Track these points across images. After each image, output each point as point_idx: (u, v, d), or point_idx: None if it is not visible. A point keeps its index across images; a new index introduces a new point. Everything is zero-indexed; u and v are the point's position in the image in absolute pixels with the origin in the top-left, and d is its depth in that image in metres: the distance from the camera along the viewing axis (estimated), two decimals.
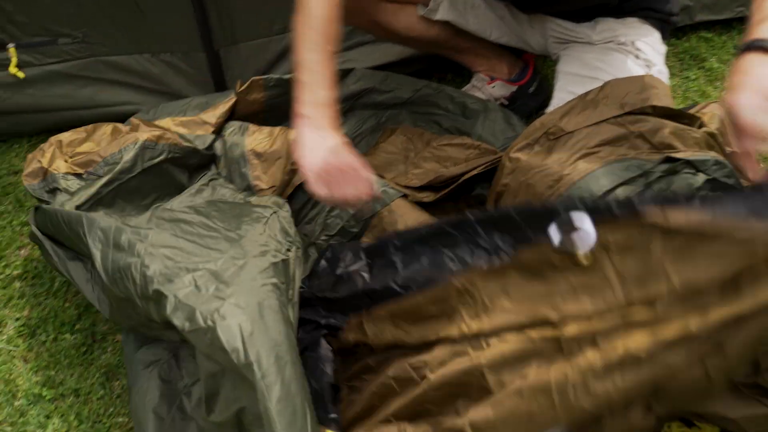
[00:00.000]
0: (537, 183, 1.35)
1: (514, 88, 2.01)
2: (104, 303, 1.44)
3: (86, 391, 1.50)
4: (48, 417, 1.46)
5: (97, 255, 1.35)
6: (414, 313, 1.21)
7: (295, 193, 1.66)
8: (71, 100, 2.00)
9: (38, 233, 1.53)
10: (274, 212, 1.53)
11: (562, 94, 1.72)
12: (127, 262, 1.31)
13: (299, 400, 1.13)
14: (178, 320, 1.19)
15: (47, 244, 1.52)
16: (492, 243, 1.17)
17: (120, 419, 1.45)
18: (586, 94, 1.48)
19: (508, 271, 1.14)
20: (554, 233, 1.09)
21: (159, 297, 1.24)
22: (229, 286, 1.23)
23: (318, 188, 1.28)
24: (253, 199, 1.65)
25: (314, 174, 1.28)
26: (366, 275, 1.31)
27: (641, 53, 1.72)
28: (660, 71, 1.73)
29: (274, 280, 1.27)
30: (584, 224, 1.06)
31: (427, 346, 1.18)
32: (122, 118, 1.98)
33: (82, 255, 1.49)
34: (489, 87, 2.01)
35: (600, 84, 1.49)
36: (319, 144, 1.30)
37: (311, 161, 1.28)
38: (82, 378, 1.52)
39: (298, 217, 1.63)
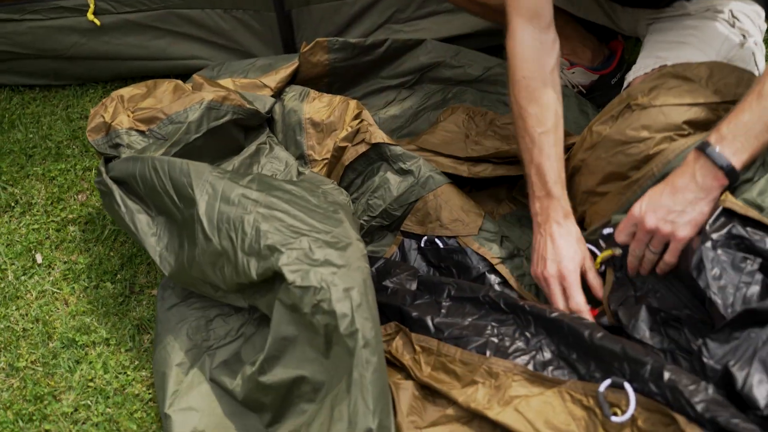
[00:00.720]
0: (622, 162, 1.31)
1: (595, 77, 1.87)
2: (166, 259, 1.45)
3: (116, 341, 1.52)
4: (77, 362, 1.49)
5: (202, 204, 1.36)
6: (440, 356, 1.24)
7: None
8: (144, 50, 2.01)
9: (109, 181, 1.54)
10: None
11: (648, 60, 1.58)
12: (239, 215, 1.32)
13: (386, 376, 1.16)
14: (291, 274, 1.21)
15: (117, 193, 1.52)
16: (537, 342, 1.20)
17: (143, 373, 1.47)
18: (679, 67, 1.37)
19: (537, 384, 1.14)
20: (603, 386, 1.07)
21: (271, 251, 1.25)
22: (341, 258, 1.24)
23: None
24: (324, 186, 1.60)
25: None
26: (409, 298, 1.35)
27: (738, 22, 1.58)
28: (757, 43, 1.59)
29: (368, 266, 1.28)
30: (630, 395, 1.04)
31: (431, 391, 1.22)
32: (192, 71, 1.99)
33: (160, 208, 1.49)
34: (568, 72, 1.87)
35: (688, 50, 1.38)
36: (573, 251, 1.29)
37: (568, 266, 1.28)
38: (114, 328, 1.54)
39: None
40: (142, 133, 1.61)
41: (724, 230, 1.11)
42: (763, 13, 1.63)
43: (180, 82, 1.72)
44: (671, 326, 1.16)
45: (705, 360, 1.03)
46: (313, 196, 1.42)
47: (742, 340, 1.01)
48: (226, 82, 1.78)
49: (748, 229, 1.10)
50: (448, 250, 1.45)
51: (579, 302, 1.25)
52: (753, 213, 1.10)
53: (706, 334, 1.06)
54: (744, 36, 1.58)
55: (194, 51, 2.02)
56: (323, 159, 1.67)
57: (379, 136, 1.58)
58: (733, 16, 1.58)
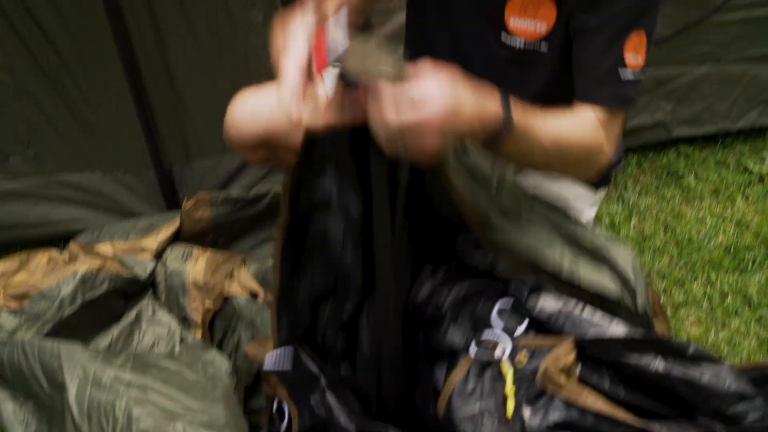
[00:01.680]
0: None
1: None
2: None
3: None
4: None
5: (72, 390, 1.28)
6: None
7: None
8: (22, 217, 1.96)
9: None
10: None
11: None
12: (111, 400, 1.24)
13: None
14: None
15: None
16: None
17: None
18: None
19: None
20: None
21: None
22: None
23: None
24: (206, 356, 1.57)
25: None
26: None
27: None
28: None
29: None
30: None
31: None
32: (72, 236, 1.95)
33: (29, 393, 1.42)
34: None
35: None
36: None
37: None
38: None
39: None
40: (14, 311, 1.55)
41: None
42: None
43: (54, 253, 1.68)
44: None
45: None
46: (192, 370, 1.38)
47: None
48: (106, 246, 1.75)
49: None
50: None
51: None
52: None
53: None
54: None
55: (75, 214, 1.98)
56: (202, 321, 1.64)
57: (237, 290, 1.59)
58: None
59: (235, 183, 2.01)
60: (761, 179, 2.24)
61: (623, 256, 1.23)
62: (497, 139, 1.02)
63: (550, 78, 1.31)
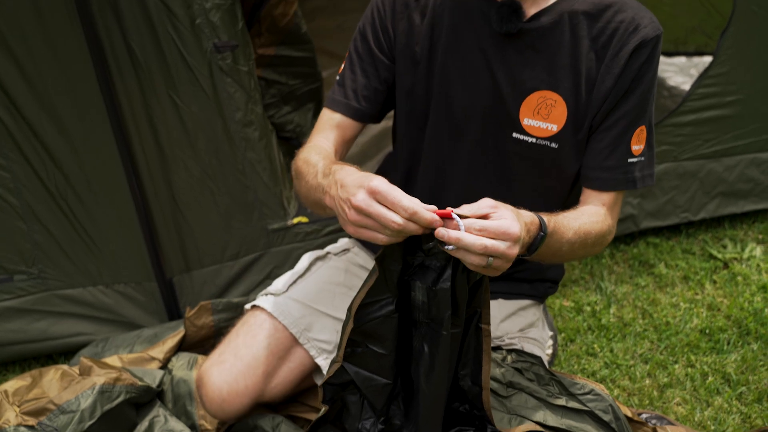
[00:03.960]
0: None
1: None
2: None
3: None
4: None
5: None
6: None
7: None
8: (23, 334, 2.00)
9: None
10: None
11: None
12: None
13: None
14: None
15: None
16: None
17: None
18: None
19: None
20: None
21: None
22: None
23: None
24: None
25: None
26: None
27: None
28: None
29: None
30: None
31: None
32: (74, 349, 1.99)
33: None
34: None
35: None
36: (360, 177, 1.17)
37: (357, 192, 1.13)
38: None
39: None
40: (31, 428, 1.57)
41: None
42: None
43: (67, 368, 1.72)
44: None
45: None
46: None
47: None
48: (113, 359, 1.80)
49: None
50: None
51: (410, 200, 1.09)
52: None
53: None
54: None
55: (77, 328, 2.03)
56: (216, 429, 1.68)
57: None
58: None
59: (234, 289, 2.09)
60: (726, 265, 2.40)
61: (602, 406, 1.43)
62: (536, 245, 1.22)
63: (557, 165, 1.47)
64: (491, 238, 1.07)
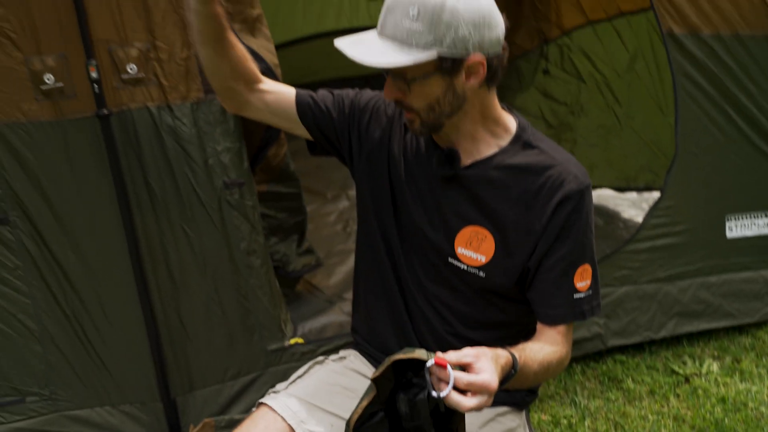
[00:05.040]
0: None
1: None
2: None
3: None
4: None
5: None
6: None
7: None
8: None
9: None
10: None
11: None
12: None
13: None
14: None
15: None
16: None
17: None
18: None
19: None
20: None
21: None
22: None
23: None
24: None
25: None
26: None
27: None
28: None
29: None
30: None
31: None
32: None
33: None
34: None
35: None
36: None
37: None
38: None
39: None
40: None
41: None
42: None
43: None
44: None
45: None
46: None
47: None
48: None
49: None
50: None
51: None
52: None
53: None
54: None
55: None
56: None
57: None
58: None
59: (234, 407, 2.21)
60: (687, 380, 2.59)
61: None
62: (507, 380, 1.38)
63: (487, 291, 1.65)
64: (473, 391, 1.25)
